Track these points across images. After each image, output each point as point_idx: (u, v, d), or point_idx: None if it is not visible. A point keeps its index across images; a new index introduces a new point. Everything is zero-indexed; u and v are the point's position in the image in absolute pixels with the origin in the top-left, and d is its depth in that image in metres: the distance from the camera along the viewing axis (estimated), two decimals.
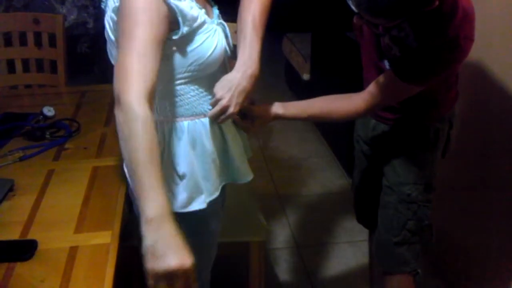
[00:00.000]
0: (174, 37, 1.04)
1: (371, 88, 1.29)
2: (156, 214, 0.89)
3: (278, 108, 1.28)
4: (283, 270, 2.17)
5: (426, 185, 1.44)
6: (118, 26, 1.00)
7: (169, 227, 0.89)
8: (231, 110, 1.12)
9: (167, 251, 0.87)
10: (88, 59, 3.55)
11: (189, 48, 1.07)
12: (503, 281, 1.66)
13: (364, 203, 1.71)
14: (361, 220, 1.79)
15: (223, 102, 1.11)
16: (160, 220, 0.89)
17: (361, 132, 1.61)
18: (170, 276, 0.88)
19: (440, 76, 1.26)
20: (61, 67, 2.22)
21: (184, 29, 1.03)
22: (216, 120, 1.13)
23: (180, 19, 1.01)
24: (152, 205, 0.89)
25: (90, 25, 3.51)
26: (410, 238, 1.46)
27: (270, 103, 1.28)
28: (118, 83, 0.95)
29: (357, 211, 1.78)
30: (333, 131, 3.09)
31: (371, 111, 1.36)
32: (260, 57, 1.16)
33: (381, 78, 1.27)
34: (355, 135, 1.66)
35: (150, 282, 0.88)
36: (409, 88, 1.25)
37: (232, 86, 1.12)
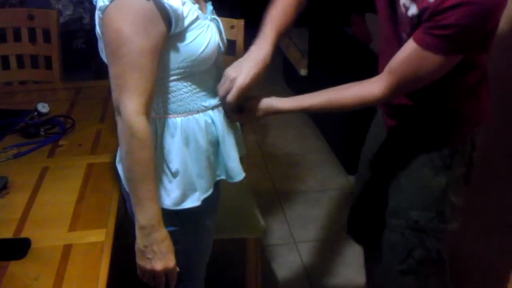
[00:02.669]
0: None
1: (390, 65, 1.11)
2: (148, 223, 1.04)
3: (275, 100, 1.22)
4: (281, 267, 2.16)
5: (438, 213, 1.27)
6: (112, 32, 0.98)
7: (158, 234, 1.05)
8: (240, 82, 1.13)
9: (154, 256, 1.06)
10: (85, 54, 3.54)
11: (181, 45, 1.05)
12: (503, 282, 1.65)
13: (362, 219, 1.59)
14: (354, 234, 1.67)
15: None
16: (151, 228, 1.04)
17: (372, 144, 1.48)
18: (155, 274, 1.08)
19: (470, 39, 1.01)
20: (56, 63, 2.20)
21: (177, 28, 1.02)
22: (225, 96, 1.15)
23: (173, 19, 1.00)
24: (145, 215, 1.04)
25: (86, 20, 3.49)
26: (417, 268, 1.32)
27: (268, 96, 1.24)
28: (116, 94, 1.00)
29: (351, 224, 1.66)
30: (332, 127, 3.08)
31: (390, 94, 1.13)
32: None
33: (400, 51, 1.09)
34: (364, 148, 1.53)
35: (139, 273, 1.11)
36: (435, 59, 1.04)
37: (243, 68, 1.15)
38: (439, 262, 1.33)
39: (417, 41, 1.05)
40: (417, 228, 1.28)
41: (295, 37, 3.70)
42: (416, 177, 1.28)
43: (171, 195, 1.12)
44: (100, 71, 3.18)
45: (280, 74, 4.11)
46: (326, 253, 2.25)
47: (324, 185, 2.76)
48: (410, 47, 1.06)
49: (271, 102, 1.21)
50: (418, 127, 1.28)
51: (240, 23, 1.83)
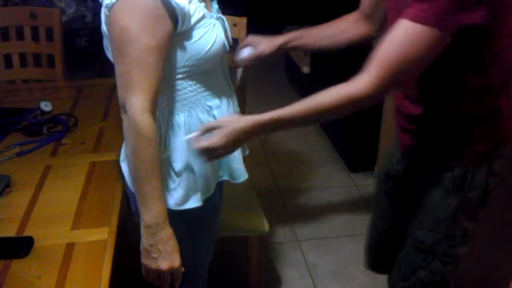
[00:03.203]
0: (173, 33, 1.02)
1: (375, 52, 0.99)
2: (153, 222, 1.03)
3: (251, 116, 1.05)
4: (283, 264, 2.16)
5: (447, 236, 1.20)
6: (118, 30, 0.98)
7: (164, 233, 1.04)
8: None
9: (159, 255, 1.05)
10: (87, 53, 3.54)
11: (188, 43, 1.05)
12: (504, 282, 1.64)
13: (384, 250, 1.46)
14: (377, 267, 1.56)
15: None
16: (156, 227, 1.03)
17: (385, 165, 1.41)
18: (160, 274, 1.07)
19: (454, 5, 0.92)
20: (58, 61, 2.21)
21: (183, 26, 1.02)
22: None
23: (180, 17, 1.00)
24: (150, 214, 1.03)
25: (89, 18, 3.50)
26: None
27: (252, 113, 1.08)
28: (121, 92, 1.00)
29: (373, 258, 1.54)
30: (334, 125, 3.08)
31: (380, 85, 0.97)
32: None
33: (388, 33, 0.98)
34: (378, 173, 1.45)
35: (144, 272, 1.09)
36: (423, 32, 0.93)
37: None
38: (443, 285, 1.27)
39: (404, 15, 0.96)
40: (422, 248, 1.23)
41: None
42: (425, 197, 1.22)
43: (174, 195, 1.12)
44: (103, 69, 3.19)
45: (283, 72, 4.10)
46: (329, 250, 2.25)
47: (326, 183, 2.76)
48: (397, 25, 0.97)
49: (246, 117, 1.05)
50: (429, 143, 1.20)
51: (242, 21, 1.82)
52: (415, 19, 0.94)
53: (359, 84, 0.98)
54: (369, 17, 1.32)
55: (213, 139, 1.01)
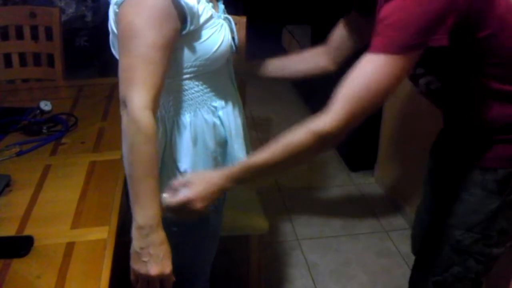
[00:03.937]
0: (182, 33, 1.02)
1: (340, 87, 0.98)
2: (146, 224, 0.98)
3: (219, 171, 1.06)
4: (283, 264, 2.16)
5: (484, 236, 1.19)
6: (125, 25, 0.98)
7: (156, 236, 0.99)
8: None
9: (150, 259, 0.99)
10: (87, 52, 3.54)
11: (196, 43, 1.05)
12: (504, 281, 1.64)
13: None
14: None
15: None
16: (149, 229, 0.98)
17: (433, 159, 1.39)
18: (149, 280, 1.01)
19: (406, 31, 0.93)
20: (58, 61, 2.21)
21: (192, 26, 1.02)
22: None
23: (188, 17, 1.00)
24: (143, 215, 0.98)
25: (89, 18, 3.49)
26: (451, 283, 1.26)
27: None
28: (123, 87, 0.98)
29: (415, 245, 1.52)
30: None
31: (345, 124, 0.97)
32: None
33: (352, 69, 0.98)
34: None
35: (132, 277, 1.03)
36: (378, 61, 0.94)
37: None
38: (475, 283, 1.27)
39: (368, 50, 0.97)
40: (458, 248, 1.22)
41: (297, 34, 3.69)
42: (465, 197, 1.20)
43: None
44: (104, 69, 3.19)
45: None
46: (329, 250, 2.25)
47: (326, 182, 2.76)
48: (360, 59, 0.97)
49: (217, 172, 1.06)
50: (473, 144, 1.18)
51: (242, 20, 1.82)
52: (376, 50, 0.94)
53: (325, 120, 0.97)
54: (333, 52, 1.38)
55: (190, 191, 1.02)
